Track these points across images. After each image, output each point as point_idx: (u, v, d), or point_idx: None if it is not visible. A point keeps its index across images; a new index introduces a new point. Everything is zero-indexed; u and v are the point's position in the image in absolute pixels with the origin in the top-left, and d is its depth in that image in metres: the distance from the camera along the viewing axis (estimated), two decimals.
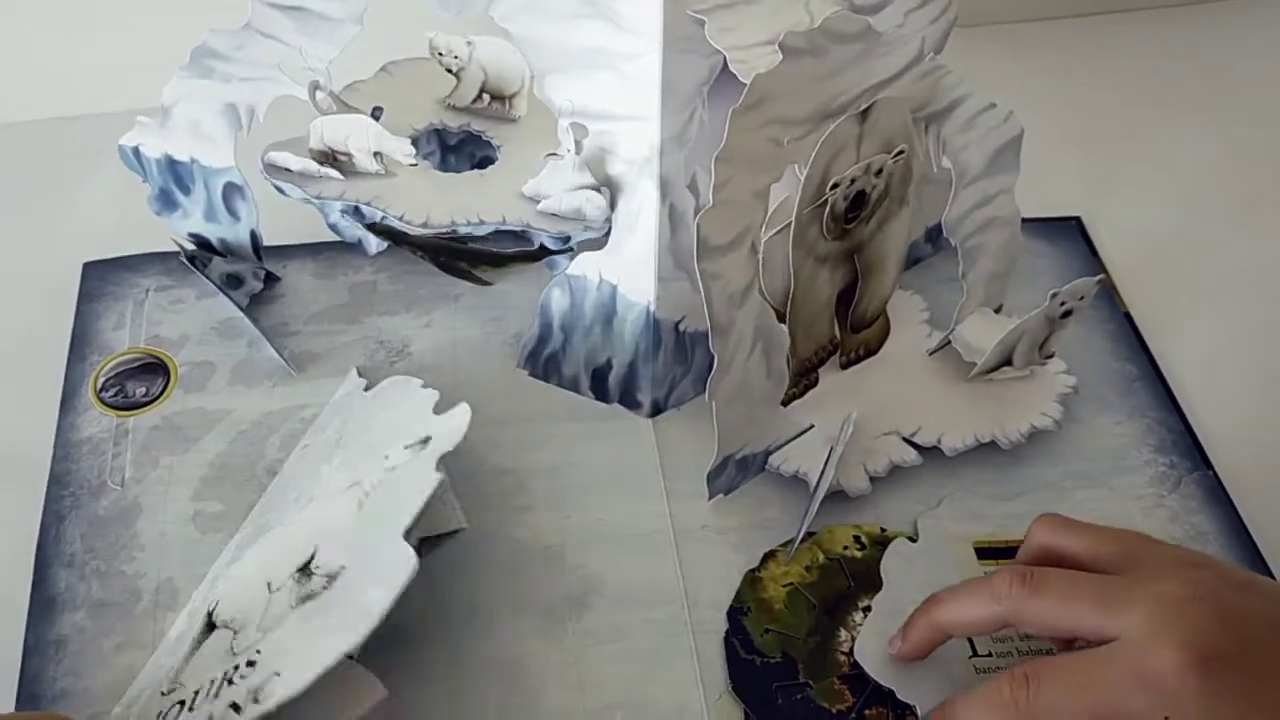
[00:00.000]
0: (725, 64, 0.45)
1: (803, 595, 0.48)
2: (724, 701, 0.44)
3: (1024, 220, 0.64)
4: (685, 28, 0.45)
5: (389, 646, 0.45)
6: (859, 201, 0.48)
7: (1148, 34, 0.81)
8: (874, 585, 0.48)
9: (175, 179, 0.55)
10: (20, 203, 0.66)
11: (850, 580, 0.48)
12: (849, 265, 0.52)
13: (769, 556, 0.49)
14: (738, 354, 0.46)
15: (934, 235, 0.62)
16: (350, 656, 0.37)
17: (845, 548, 0.49)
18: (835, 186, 0.47)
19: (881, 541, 0.49)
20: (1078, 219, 0.67)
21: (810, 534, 0.50)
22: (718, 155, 0.42)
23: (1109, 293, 0.63)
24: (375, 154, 0.50)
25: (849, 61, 0.46)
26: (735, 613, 0.47)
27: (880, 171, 0.48)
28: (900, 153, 0.48)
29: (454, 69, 0.55)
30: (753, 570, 0.49)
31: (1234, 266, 0.65)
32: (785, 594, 0.48)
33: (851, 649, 0.45)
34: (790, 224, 0.47)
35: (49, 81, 0.69)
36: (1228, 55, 0.80)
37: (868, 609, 0.47)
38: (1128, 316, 0.62)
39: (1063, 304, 0.52)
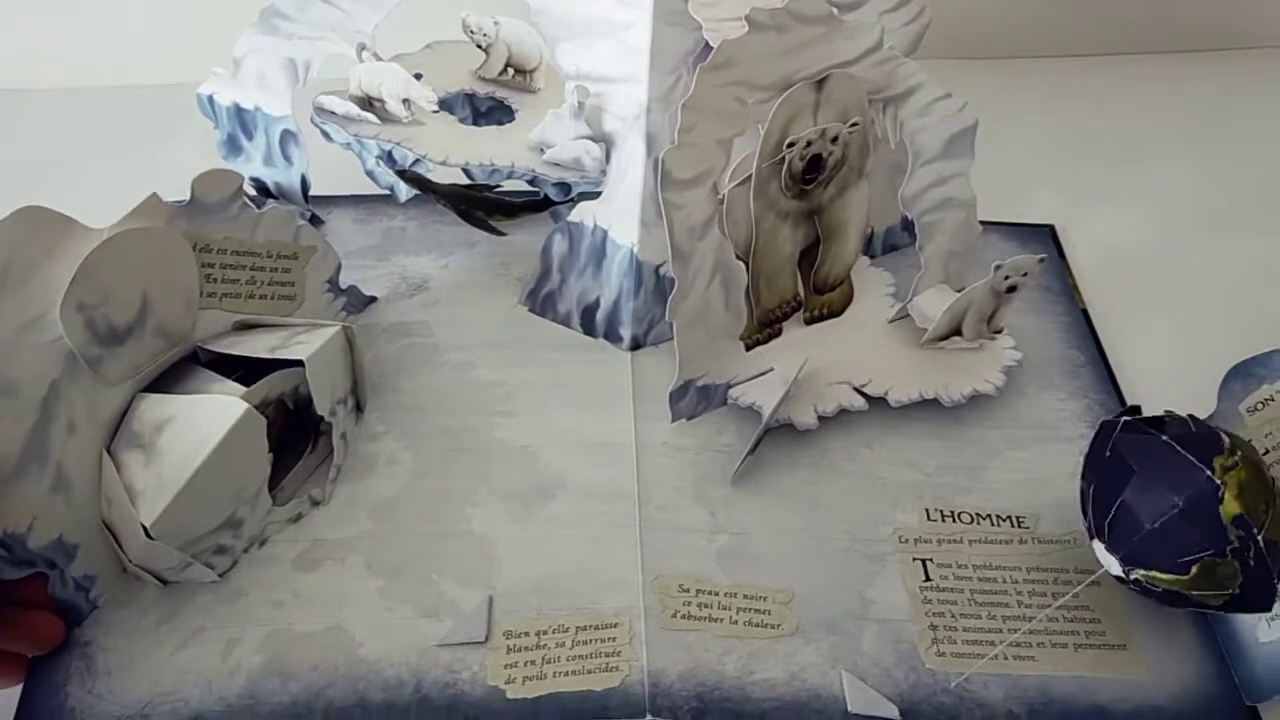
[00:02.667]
0: None
1: None
2: (659, 581, 0.50)
3: (1002, 224, 0.71)
4: (674, 3, 0.53)
5: (376, 513, 0.53)
6: (815, 164, 0.55)
7: (1137, 74, 0.88)
8: None
9: (241, 125, 0.64)
10: (113, 156, 0.76)
11: None
12: (810, 226, 0.58)
13: None
14: (697, 280, 0.52)
15: (910, 225, 0.68)
16: None
17: None
18: (792, 145, 0.54)
19: None
20: (1051, 227, 0.73)
21: None
22: (684, 103, 0.50)
23: (1070, 290, 0.69)
24: (404, 101, 0.58)
25: (811, 41, 0.53)
26: None
27: (836, 139, 0.55)
28: (855, 124, 0.55)
29: (483, 45, 0.64)
30: None
31: (1190, 279, 0.70)
32: None
33: None
34: (752, 176, 0.54)
35: (141, 50, 0.80)
36: (1209, 98, 0.86)
37: None
38: (1085, 313, 0.67)
39: (1006, 277, 0.58)
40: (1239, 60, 0.90)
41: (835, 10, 0.54)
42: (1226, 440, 0.46)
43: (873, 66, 0.55)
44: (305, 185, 0.65)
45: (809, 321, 0.61)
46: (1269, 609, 0.46)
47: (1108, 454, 0.49)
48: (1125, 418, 0.49)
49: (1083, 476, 0.50)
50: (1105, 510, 0.48)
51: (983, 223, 0.65)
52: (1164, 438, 0.46)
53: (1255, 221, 0.75)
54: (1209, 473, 0.44)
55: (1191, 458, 0.45)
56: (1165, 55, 0.90)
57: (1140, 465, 0.47)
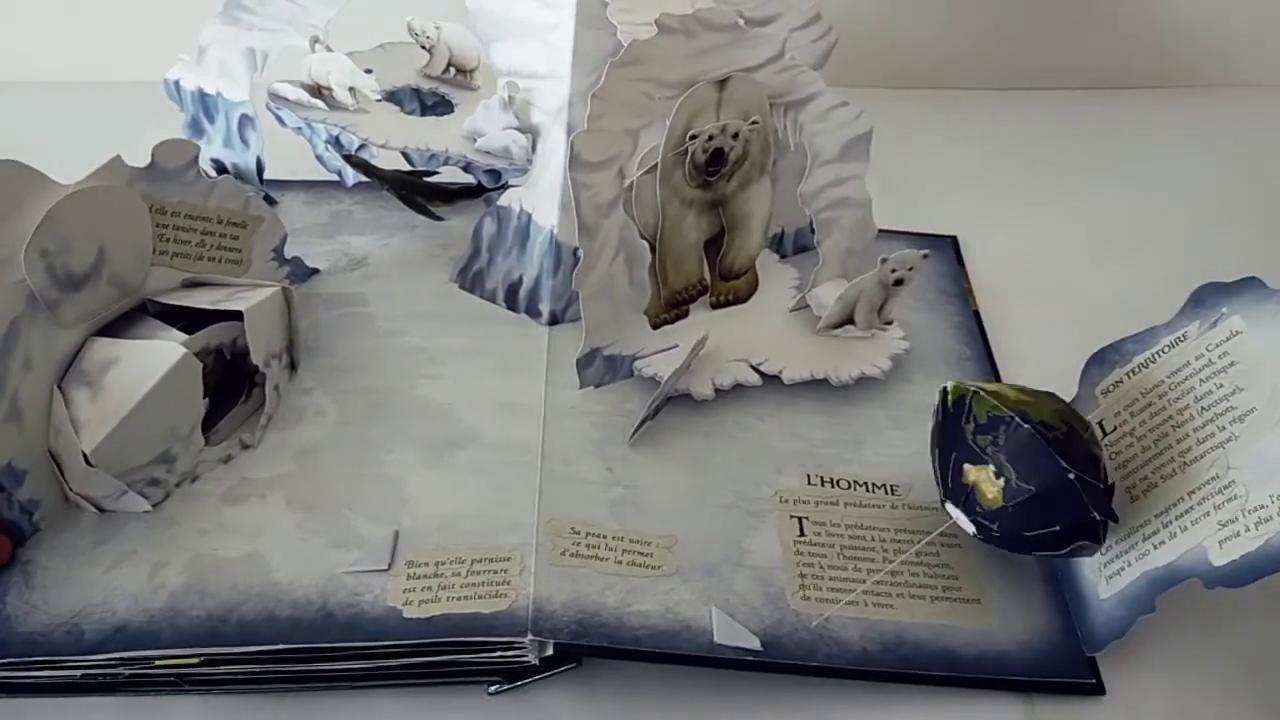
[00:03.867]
0: None
1: None
2: (552, 523, 0.55)
3: (910, 234, 0.77)
4: (594, 7, 0.59)
5: (300, 457, 0.58)
6: (717, 157, 0.61)
7: (1044, 109, 0.96)
8: None
9: (204, 109, 0.70)
10: (89, 146, 0.80)
11: None
12: (715, 216, 0.64)
13: None
14: (603, 255, 0.58)
15: None
16: None
17: None
18: (695, 138, 0.59)
19: None
20: (954, 238, 0.79)
21: None
22: (594, 93, 0.55)
23: (964, 294, 0.74)
24: (350, 89, 0.64)
25: (717, 47, 0.59)
26: None
27: (736, 135, 0.61)
28: (755, 122, 0.61)
29: (426, 46, 0.70)
30: None
31: (1076, 290, 0.76)
32: None
33: None
34: (658, 165, 0.60)
35: (116, 48, 0.86)
36: (1105, 132, 0.94)
37: None
38: (976, 314, 0.73)
39: (893, 270, 0.63)
40: (1134, 99, 0.98)
41: (742, 21, 0.60)
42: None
43: (775, 73, 0.61)
44: (260, 166, 0.71)
45: (715, 306, 0.67)
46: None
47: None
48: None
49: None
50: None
51: (893, 231, 0.71)
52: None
53: (1132, 240, 0.82)
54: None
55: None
56: (1071, 92, 0.98)
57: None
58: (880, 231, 0.70)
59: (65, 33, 0.88)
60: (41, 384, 0.53)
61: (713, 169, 0.61)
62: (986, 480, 0.51)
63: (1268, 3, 0.95)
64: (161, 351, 0.54)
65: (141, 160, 0.55)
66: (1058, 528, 0.50)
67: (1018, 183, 0.87)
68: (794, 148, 0.64)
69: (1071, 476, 0.49)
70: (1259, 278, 0.55)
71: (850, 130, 0.64)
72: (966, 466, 0.52)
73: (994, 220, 0.82)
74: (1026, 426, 0.50)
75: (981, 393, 0.53)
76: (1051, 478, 0.49)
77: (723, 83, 0.59)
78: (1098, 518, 0.50)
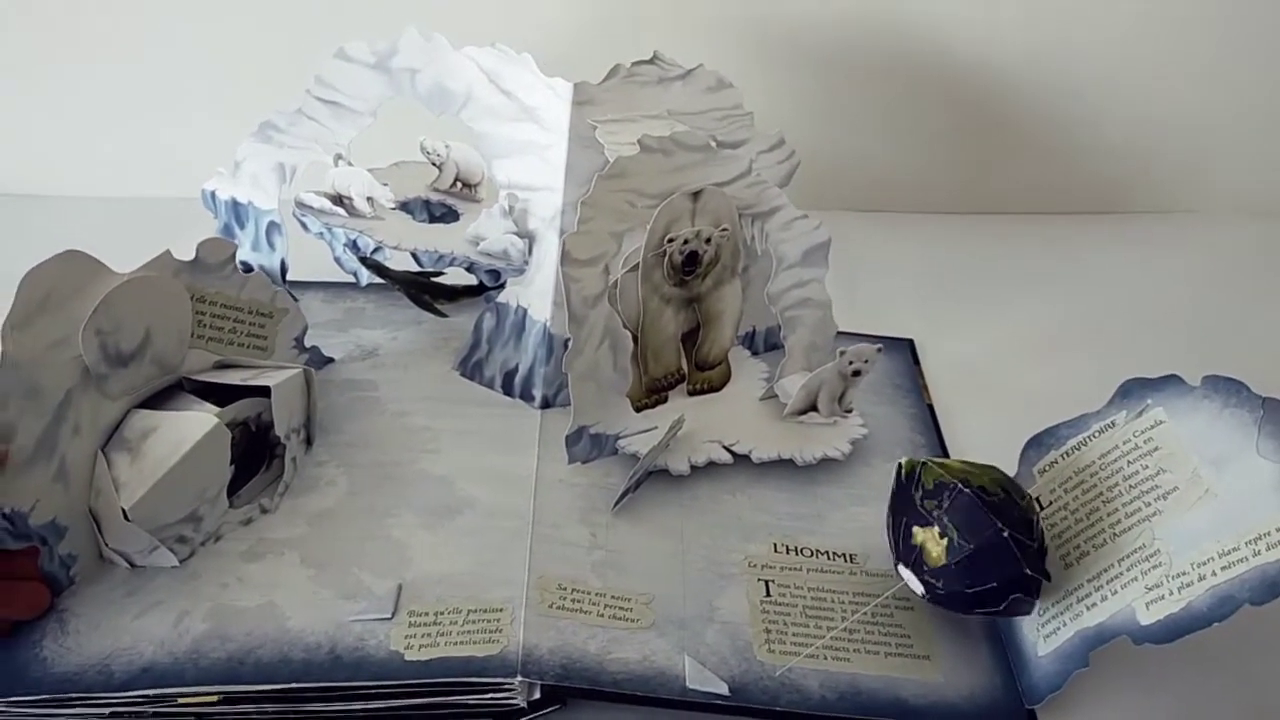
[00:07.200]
0: None
1: None
2: (541, 579, 0.61)
3: (872, 335, 0.85)
4: (585, 130, 0.67)
5: (313, 521, 0.64)
6: (692, 259, 0.69)
7: (995, 230, 1.06)
8: None
9: (236, 217, 0.78)
10: (137, 250, 0.89)
11: None
12: (691, 312, 0.71)
13: None
14: (589, 341, 0.65)
15: None
16: None
17: None
18: (672, 241, 0.67)
19: None
20: (911, 340, 0.87)
21: None
22: (584, 200, 0.64)
23: (919, 389, 0.82)
24: (369, 199, 0.73)
25: (692, 164, 0.67)
26: None
27: (709, 240, 0.69)
28: (725, 229, 0.69)
29: (437, 163, 0.79)
30: None
31: (1018, 387, 0.83)
32: None
33: None
34: (639, 264, 0.68)
35: (159, 165, 0.95)
36: (1051, 250, 1.04)
37: None
38: (930, 407, 0.80)
39: (850, 362, 0.71)
40: (1071, 222, 1.08)
41: (714, 143, 0.68)
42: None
43: (743, 188, 0.70)
44: (284, 268, 0.78)
45: (692, 393, 0.74)
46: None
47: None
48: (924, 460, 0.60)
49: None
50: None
51: (856, 334, 0.79)
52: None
53: (1068, 343, 0.90)
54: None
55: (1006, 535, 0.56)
56: (1015, 216, 1.08)
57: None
58: (846, 334, 0.77)
59: (112, 151, 0.97)
60: (87, 449, 0.59)
61: (688, 269, 0.69)
62: (932, 540, 0.57)
63: (1187, 139, 1.07)
64: (196, 421, 0.60)
65: (185, 256, 0.63)
66: (995, 583, 0.56)
67: (968, 293, 0.95)
68: (759, 254, 0.72)
69: (1006, 534, 0.55)
70: (1179, 375, 0.62)
71: (811, 239, 0.72)
72: (915, 529, 0.58)
73: (947, 326, 0.90)
74: (967, 491, 0.57)
75: (930, 464, 0.59)
76: (989, 536, 0.56)
77: (696, 194, 0.68)
78: (1029, 573, 0.56)
